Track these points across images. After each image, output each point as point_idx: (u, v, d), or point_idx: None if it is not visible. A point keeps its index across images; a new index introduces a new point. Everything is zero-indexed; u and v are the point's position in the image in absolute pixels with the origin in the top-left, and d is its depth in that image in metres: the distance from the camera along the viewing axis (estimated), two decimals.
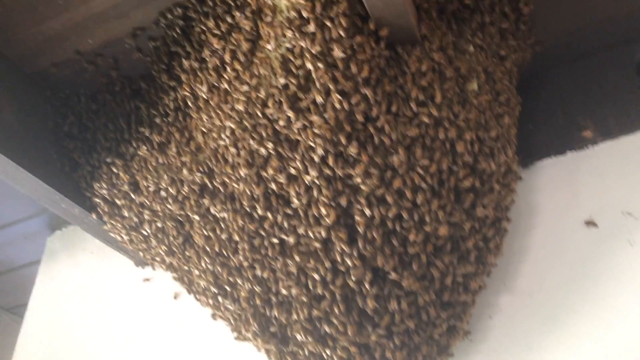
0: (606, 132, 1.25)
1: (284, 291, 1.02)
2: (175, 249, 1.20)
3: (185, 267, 1.21)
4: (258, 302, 1.05)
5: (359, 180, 0.96)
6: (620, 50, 1.33)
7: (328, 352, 0.99)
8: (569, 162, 1.26)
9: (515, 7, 1.18)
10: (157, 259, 1.29)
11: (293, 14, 0.99)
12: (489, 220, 1.03)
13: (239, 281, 1.08)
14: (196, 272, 1.16)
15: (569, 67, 1.37)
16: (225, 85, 1.10)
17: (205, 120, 1.13)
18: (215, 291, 1.11)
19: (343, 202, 0.97)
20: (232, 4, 1.11)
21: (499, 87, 1.09)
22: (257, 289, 1.05)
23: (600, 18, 1.30)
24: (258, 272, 1.05)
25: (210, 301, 1.15)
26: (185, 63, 1.17)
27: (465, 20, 1.12)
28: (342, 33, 0.95)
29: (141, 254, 1.31)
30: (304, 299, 0.99)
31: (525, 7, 1.19)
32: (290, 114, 0.99)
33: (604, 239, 1.12)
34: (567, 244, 1.15)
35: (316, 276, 0.98)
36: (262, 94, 1.03)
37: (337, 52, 0.96)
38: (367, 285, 0.96)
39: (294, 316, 1.00)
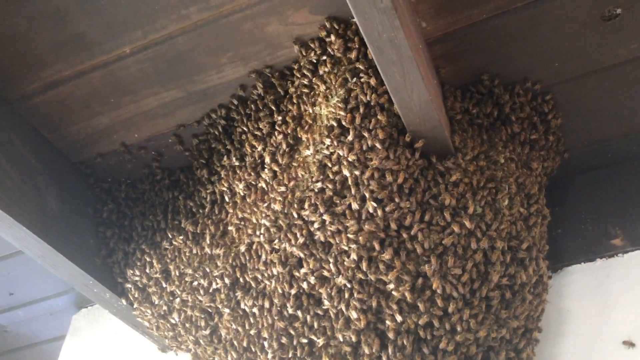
0: (636, 241, 1.25)
1: None
2: (202, 340, 1.21)
3: (211, 359, 1.22)
4: None
5: (391, 286, 0.97)
6: None
7: None
8: (598, 269, 1.26)
9: (544, 119, 1.23)
10: (183, 347, 1.29)
11: (333, 123, 1.04)
12: (520, 331, 1.03)
13: None
14: None
15: (597, 174, 1.40)
16: (263, 184, 1.14)
17: (240, 216, 1.16)
18: None
19: (374, 306, 0.98)
20: (274, 108, 1.18)
21: (530, 198, 1.12)
22: None
23: (627, 131, 1.34)
24: None
25: None
26: (225, 160, 1.23)
27: (496, 132, 1.17)
28: (378, 145, 1.00)
29: (167, 341, 1.32)
30: None
31: (554, 120, 1.23)
32: (326, 217, 1.02)
33: (635, 355, 1.10)
34: (596, 355, 1.13)
35: None
36: (299, 196, 1.07)
37: (374, 162, 1.00)
38: None
39: None
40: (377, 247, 0.98)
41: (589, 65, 1.20)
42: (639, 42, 1.15)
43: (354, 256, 0.99)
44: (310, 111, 1.10)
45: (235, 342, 1.13)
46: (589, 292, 1.23)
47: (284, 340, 1.06)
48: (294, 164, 1.10)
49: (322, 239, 1.03)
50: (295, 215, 1.06)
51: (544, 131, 1.23)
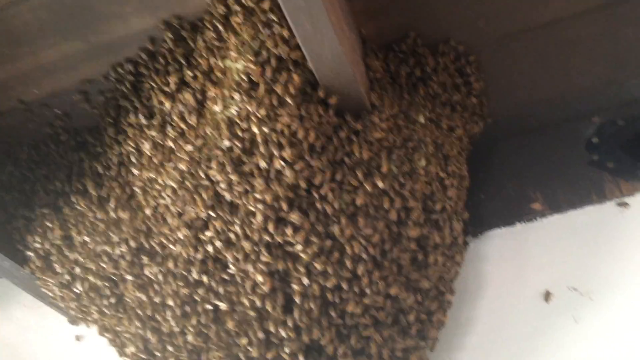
0: (555, 206, 1.25)
1: None
2: (107, 310, 1.14)
3: (118, 329, 1.15)
4: None
5: (299, 248, 0.93)
6: (571, 126, 1.36)
7: None
8: (517, 233, 1.25)
9: (467, 81, 1.20)
10: (89, 318, 1.22)
11: (242, 77, 0.98)
12: (432, 293, 1.00)
13: (170, 348, 1.02)
14: (127, 335, 1.10)
15: (521, 140, 1.39)
16: (170, 144, 1.07)
17: (147, 177, 1.09)
18: (144, 357, 1.05)
19: (281, 269, 0.93)
20: (184, 62, 1.10)
21: (448, 159, 1.09)
22: (186, 357, 0.99)
23: (552, 95, 1.33)
24: (190, 340, 0.99)
25: None
26: (133, 118, 1.14)
27: (417, 92, 1.13)
28: (289, 100, 0.94)
29: (72, 312, 1.24)
30: None
31: (476, 82, 1.21)
32: (233, 177, 0.96)
33: (550, 315, 1.11)
34: (513, 318, 1.13)
35: (248, 347, 0.93)
36: (206, 155, 1.00)
37: (284, 118, 0.94)
38: (301, 359, 0.91)
39: None
40: (285, 207, 0.93)
41: (513, 26, 1.17)
42: (564, 2, 1.13)
43: (260, 217, 0.94)
44: (221, 65, 1.03)
45: (139, 311, 1.07)
46: (508, 256, 1.22)
47: (188, 307, 1.00)
48: (203, 121, 1.04)
49: (229, 199, 0.97)
50: (202, 175, 1.00)
51: (466, 93, 1.20)
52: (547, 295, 1.11)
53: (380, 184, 0.95)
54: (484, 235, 1.28)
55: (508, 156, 1.37)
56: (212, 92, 1.01)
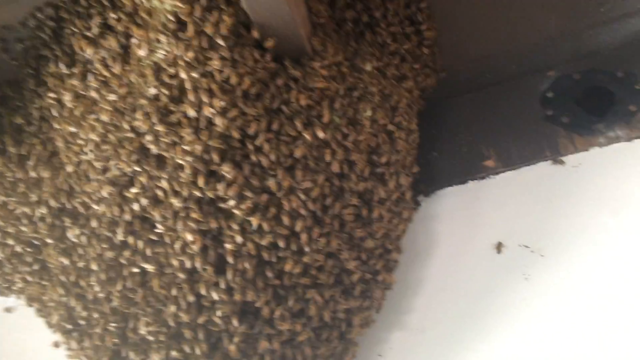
0: (508, 163, 1.21)
1: (142, 328, 0.89)
2: (30, 278, 1.05)
3: (44, 298, 1.06)
4: (114, 340, 0.92)
5: (232, 203, 0.85)
6: (526, 81, 1.31)
7: None
8: (469, 191, 1.21)
9: (418, 29, 1.13)
10: (14, 288, 1.12)
11: (169, 17, 0.88)
12: (377, 252, 0.95)
13: (95, 316, 0.94)
14: (51, 304, 1.01)
15: (475, 95, 1.34)
16: (93, 94, 0.97)
17: (68, 132, 0.99)
18: (69, 327, 0.97)
19: (213, 228, 0.86)
20: (107, 4, 1.00)
21: (396, 111, 1.02)
22: (113, 325, 0.91)
23: (507, 48, 1.28)
24: (115, 306, 0.92)
25: (65, 339, 1.00)
26: (53, 67, 1.04)
27: (365, 40, 1.06)
28: (221, 42, 0.86)
29: None
30: (162, 337, 0.86)
31: (428, 31, 1.14)
32: (160, 127, 0.88)
33: (500, 273, 1.07)
34: (463, 277, 1.09)
35: (177, 311, 0.86)
36: (131, 105, 0.91)
37: (215, 62, 0.86)
38: (234, 323, 0.85)
39: (152, 358, 0.87)
40: (216, 159, 0.85)
41: None
42: None
43: (189, 170, 0.85)
44: (147, 5, 0.93)
45: (63, 277, 0.98)
46: (459, 214, 1.18)
47: (113, 271, 0.92)
48: (128, 68, 0.94)
49: (155, 152, 0.89)
50: (127, 127, 0.91)
51: (417, 43, 1.13)
52: (499, 247, 1.07)
53: (321, 134, 0.88)
54: (435, 194, 1.23)
55: (462, 112, 1.32)
56: (136, 35, 0.92)
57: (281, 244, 0.86)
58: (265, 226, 0.85)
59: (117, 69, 0.95)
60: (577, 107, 1.22)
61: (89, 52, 0.99)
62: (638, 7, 1.18)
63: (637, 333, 0.92)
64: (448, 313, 1.06)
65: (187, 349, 0.85)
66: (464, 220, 1.16)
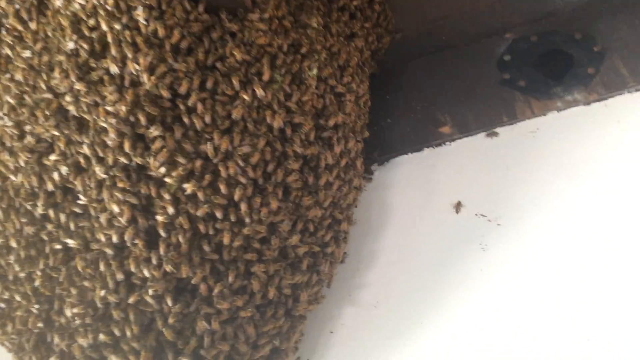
0: (464, 129, 1.16)
1: (67, 310, 0.80)
2: None
3: None
4: (37, 324, 0.83)
5: (162, 170, 0.77)
6: (483, 43, 1.26)
7: None
8: (425, 158, 1.15)
9: None
10: None
11: None
12: (325, 223, 0.88)
13: (17, 297, 0.85)
14: None
15: (430, 59, 1.28)
16: (6, 50, 0.87)
17: None
18: None
19: (142, 198, 0.78)
20: None
21: (344, 70, 0.95)
22: (35, 307, 0.82)
23: (462, 9, 1.22)
24: (38, 286, 0.83)
25: None
26: None
27: None
28: None
29: None
30: (88, 320, 0.78)
31: None
32: (79, 86, 0.78)
33: (456, 243, 1.02)
34: (418, 248, 1.04)
35: (104, 292, 0.78)
36: (47, 61, 0.81)
37: (139, 12, 0.76)
38: (168, 302, 0.77)
39: (78, 342, 0.78)
40: (143, 121, 0.76)
41: None
42: None
43: (113, 134, 0.76)
44: None
45: None
46: (415, 182, 1.12)
47: (35, 248, 0.83)
48: (43, 21, 0.84)
49: (76, 114, 0.79)
50: (43, 87, 0.81)
51: None
52: (457, 206, 1.02)
53: (260, 94, 0.80)
54: (390, 162, 1.17)
55: (417, 76, 1.26)
56: None
57: (218, 214, 0.78)
58: (201, 195, 0.77)
59: (32, 21, 0.84)
60: (535, 70, 1.18)
61: (1, 3, 0.88)
62: None
63: (593, 302, 0.88)
64: (402, 287, 1.01)
65: (116, 331, 0.77)
66: (419, 190, 1.11)
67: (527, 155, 1.08)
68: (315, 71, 0.87)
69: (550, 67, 1.17)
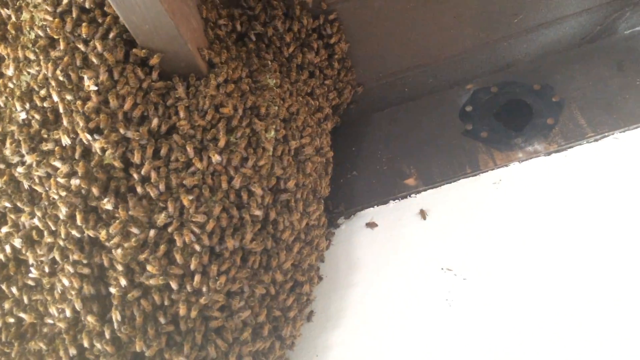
0: (429, 181, 1.16)
1: None
2: None
3: None
4: None
5: (115, 241, 0.75)
6: (445, 94, 1.28)
7: None
8: (391, 211, 1.15)
9: (328, 43, 1.07)
10: None
11: (38, 32, 0.78)
12: (287, 286, 0.87)
13: None
14: None
15: (394, 110, 1.29)
16: None
17: None
18: None
19: (95, 269, 0.76)
20: None
21: (304, 130, 0.95)
22: None
23: (423, 62, 1.24)
24: None
25: None
26: None
27: (268, 54, 0.98)
28: (96, 60, 0.76)
29: None
30: None
31: (339, 44, 1.08)
32: (31, 158, 0.77)
33: (423, 299, 1.01)
34: (385, 305, 1.02)
35: None
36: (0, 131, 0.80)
37: (89, 82, 0.76)
38: None
39: None
40: (96, 193, 0.75)
41: None
42: None
43: (64, 207, 0.75)
44: (14, 19, 0.82)
45: None
46: (381, 237, 1.12)
47: None
48: None
49: (27, 186, 0.78)
50: None
51: (327, 56, 1.07)
52: (423, 214, 1.02)
53: (215, 159, 0.79)
54: (356, 215, 1.17)
55: (381, 127, 1.27)
56: (4, 53, 0.81)
57: (174, 285, 0.76)
58: (155, 265, 0.75)
59: None
60: (496, 121, 1.19)
61: None
62: (552, 18, 1.16)
63: (562, 353, 0.88)
64: (370, 347, 0.99)
65: None
66: (385, 243, 1.10)
67: (490, 207, 1.08)
68: (272, 133, 0.87)
69: (511, 118, 1.19)
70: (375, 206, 1.17)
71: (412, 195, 1.16)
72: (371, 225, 1.06)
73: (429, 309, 0.99)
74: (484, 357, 0.92)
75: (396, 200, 1.16)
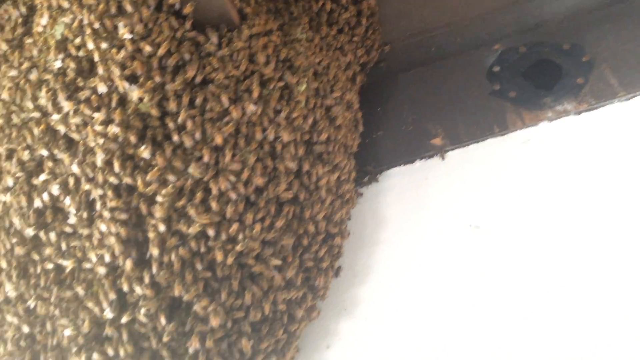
0: (456, 140, 1.16)
1: (59, 330, 0.79)
2: None
3: None
4: (30, 344, 0.82)
5: (152, 188, 0.76)
6: (472, 55, 1.27)
7: None
8: (417, 170, 1.15)
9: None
10: None
11: None
12: (319, 237, 0.87)
13: (8, 318, 0.83)
14: None
15: (421, 71, 1.28)
16: None
17: None
18: None
19: (133, 216, 0.77)
20: None
21: (334, 85, 0.95)
22: (26, 328, 0.81)
23: (451, 21, 1.23)
24: (30, 306, 0.82)
25: None
26: None
27: (298, 9, 0.98)
28: (130, 7, 0.76)
29: None
30: (81, 340, 0.77)
31: (365, 1, 1.07)
32: (67, 105, 0.78)
33: (450, 255, 1.01)
34: (412, 262, 1.03)
35: (97, 310, 0.77)
36: (35, 80, 0.81)
37: (124, 30, 0.76)
38: (162, 320, 0.76)
39: None
40: (133, 140, 0.76)
41: None
42: None
43: (102, 154, 0.76)
44: None
45: None
46: (407, 195, 1.12)
47: (25, 268, 0.82)
48: (29, 40, 0.83)
49: (64, 134, 0.79)
50: (31, 106, 0.81)
51: (355, 13, 1.06)
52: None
53: (250, 110, 0.80)
54: (382, 175, 1.17)
55: (407, 89, 1.26)
56: (37, 1, 0.81)
57: (210, 232, 0.77)
58: (192, 212, 0.76)
59: (17, 40, 0.84)
60: (524, 81, 1.18)
61: None
62: None
63: (586, 309, 0.88)
64: (397, 300, 1.00)
65: (110, 351, 0.76)
66: (412, 202, 1.11)
67: (519, 166, 1.08)
68: (304, 86, 0.86)
69: (540, 78, 1.17)
70: (402, 165, 1.17)
71: (439, 154, 1.15)
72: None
73: (456, 264, 1.00)
74: (509, 309, 0.92)
75: (422, 160, 1.16)
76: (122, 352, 0.76)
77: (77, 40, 0.78)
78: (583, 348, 0.85)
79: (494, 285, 0.96)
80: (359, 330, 0.99)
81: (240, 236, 0.79)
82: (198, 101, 0.78)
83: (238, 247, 0.78)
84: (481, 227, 1.02)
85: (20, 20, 0.84)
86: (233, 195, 0.78)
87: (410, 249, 1.05)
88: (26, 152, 0.81)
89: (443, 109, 1.21)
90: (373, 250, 1.07)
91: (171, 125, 0.77)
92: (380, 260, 1.06)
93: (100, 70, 0.76)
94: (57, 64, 0.78)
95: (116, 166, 0.76)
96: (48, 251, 0.81)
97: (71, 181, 0.79)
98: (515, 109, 1.15)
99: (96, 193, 0.77)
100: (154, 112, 0.76)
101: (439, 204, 1.08)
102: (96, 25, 0.76)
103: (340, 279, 1.03)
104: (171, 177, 0.76)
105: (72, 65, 0.78)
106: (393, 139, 1.20)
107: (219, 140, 0.75)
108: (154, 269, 0.76)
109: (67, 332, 0.78)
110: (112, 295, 0.77)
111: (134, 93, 0.75)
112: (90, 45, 0.76)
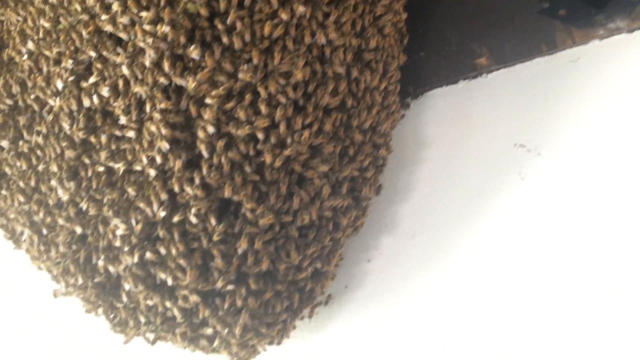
0: (501, 60, 1.12)
1: (111, 231, 0.81)
2: None
3: (6, 210, 0.97)
4: (82, 246, 0.84)
5: (202, 89, 0.76)
6: None
7: (167, 304, 0.80)
8: (461, 91, 1.13)
9: None
10: None
11: None
12: (365, 148, 0.87)
13: (60, 221, 0.86)
14: (12, 215, 0.93)
15: None
16: None
17: (15, 20, 0.88)
18: (32, 236, 0.88)
19: (182, 118, 0.77)
20: None
21: None
22: (79, 229, 0.83)
23: None
24: (81, 210, 0.83)
25: (30, 250, 0.92)
26: None
27: None
28: None
29: None
30: (134, 239, 0.79)
31: None
32: (115, 5, 0.77)
33: (495, 174, 1.00)
34: (455, 180, 1.02)
35: (149, 211, 0.78)
36: None
37: None
38: (212, 221, 0.77)
39: (123, 261, 0.79)
40: (182, 40, 0.75)
41: None
42: None
43: (152, 54, 0.75)
44: None
45: (21, 183, 0.89)
46: (450, 116, 1.10)
47: (76, 171, 0.83)
48: None
49: (113, 35, 0.78)
50: (79, 8, 0.80)
51: None
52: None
53: (300, 11, 0.78)
54: (424, 96, 1.15)
55: (450, 7, 1.22)
56: None
57: (260, 135, 0.77)
58: (242, 115, 0.76)
59: None
60: None
61: None
62: None
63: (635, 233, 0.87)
64: (439, 217, 1.00)
65: (162, 250, 0.78)
66: (455, 122, 1.09)
67: (567, 85, 1.05)
68: None
69: None
70: (445, 86, 1.14)
71: (484, 74, 1.13)
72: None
73: (501, 182, 0.99)
74: (555, 230, 0.92)
75: (466, 80, 1.13)
76: (174, 251, 0.77)
77: None
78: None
79: (538, 204, 0.95)
80: (399, 245, 1.00)
81: (289, 140, 0.78)
82: (247, 2, 0.77)
83: (287, 152, 0.78)
84: (527, 147, 1.01)
85: None
86: (282, 99, 0.77)
87: (453, 168, 1.04)
88: (75, 55, 0.81)
89: (488, 28, 1.17)
90: (414, 169, 1.06)
91: (220, 26, 0.76)
92: (421, 178, 1.05)
93: None
94: None
95: (166, 66, 0.75)
96: (99, 154, 0.82)
97: (120, 83, 0.79)
98: (564, 27, 1.11)
99: (145, 94, 0.77)
100: (203, 11, 0.75)
101: (483, 123, 1.06)
102: None
103: (381, 197, 1.04)
104: (221, 78, 0.75)
105: None
106: (436, 59, 1.17)
107: (275, 33, 0.73)
108: (204, 170, 0.77)
109: (120, 231, 0.80)
110: (164, 196, 0.78)
111: None
112: None
